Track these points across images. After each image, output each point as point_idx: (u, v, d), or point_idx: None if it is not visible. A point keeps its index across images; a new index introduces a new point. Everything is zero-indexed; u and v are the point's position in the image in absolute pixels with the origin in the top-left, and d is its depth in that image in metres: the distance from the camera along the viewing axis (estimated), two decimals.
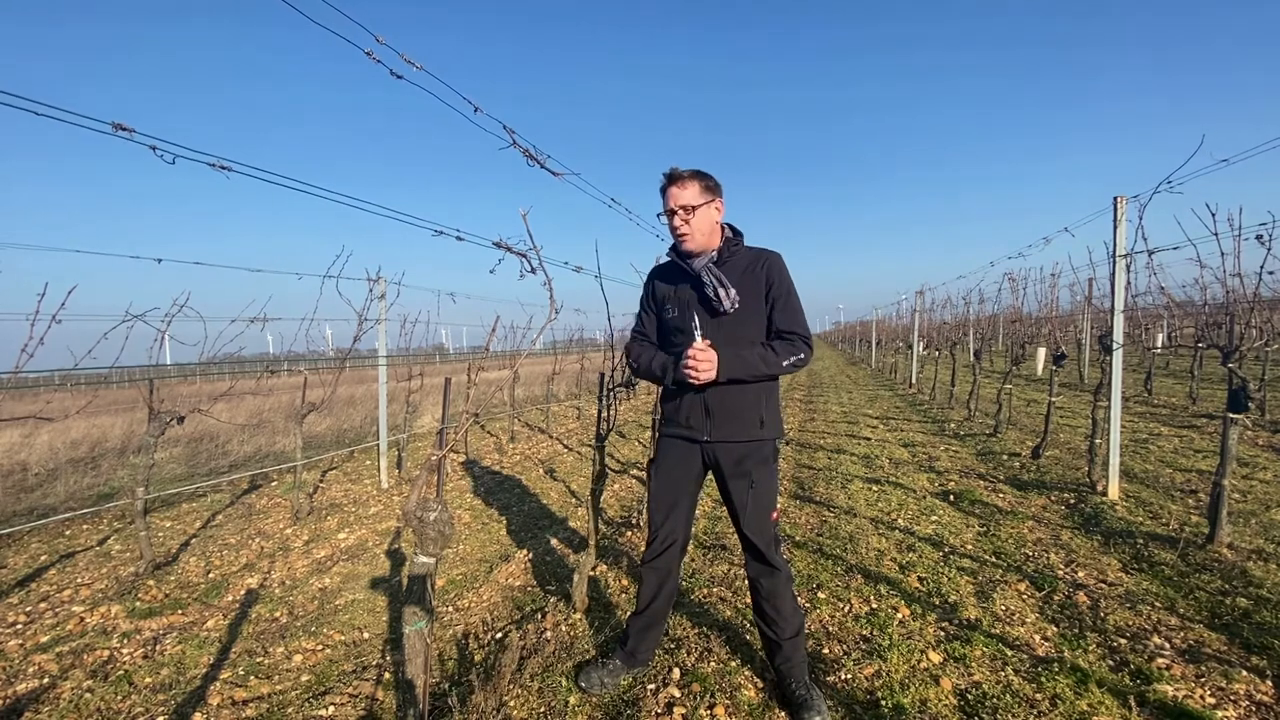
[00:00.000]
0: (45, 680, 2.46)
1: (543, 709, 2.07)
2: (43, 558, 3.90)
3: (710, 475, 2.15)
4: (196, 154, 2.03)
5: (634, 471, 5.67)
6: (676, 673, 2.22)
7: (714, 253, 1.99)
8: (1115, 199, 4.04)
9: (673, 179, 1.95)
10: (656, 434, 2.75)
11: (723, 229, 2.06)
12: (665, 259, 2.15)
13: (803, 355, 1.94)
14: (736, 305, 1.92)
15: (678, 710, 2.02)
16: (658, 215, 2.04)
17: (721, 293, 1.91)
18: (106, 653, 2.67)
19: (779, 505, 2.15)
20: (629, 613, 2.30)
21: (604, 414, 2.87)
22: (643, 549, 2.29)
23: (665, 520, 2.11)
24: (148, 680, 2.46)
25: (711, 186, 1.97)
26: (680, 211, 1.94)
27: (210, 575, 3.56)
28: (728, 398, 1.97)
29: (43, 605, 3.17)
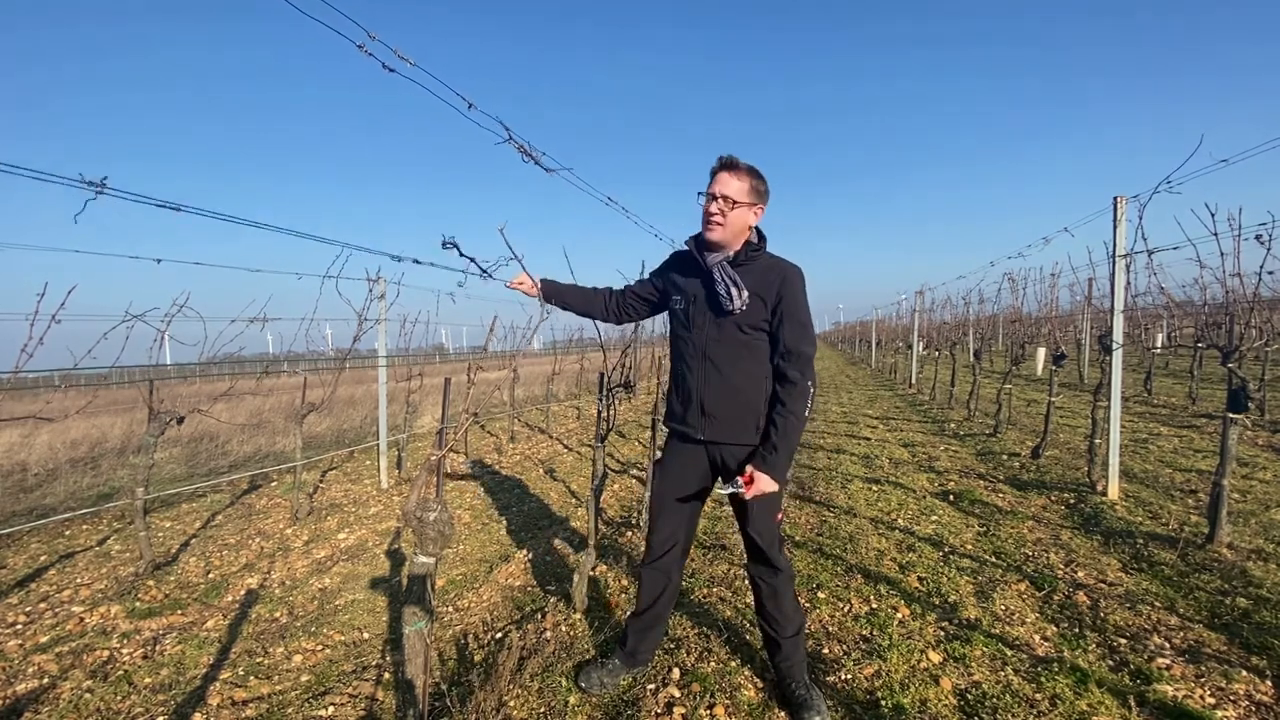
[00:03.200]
0: (45, 680, 2.46)
1: (543, 709, 2.07)
2: (42, 558, 3.90)
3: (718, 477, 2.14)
4: (145, 199, 2.05)
5: (634, 471, 5.67)
6: (676, 673, 2.22)
7: (730, 253, 1.94)
8: (1115, 199, 4.04)
9: (728, 165, 1.90)
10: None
11: (749, 235, 1.99)
12: (683, 247, 2.10)
13: (810, 392, 1.90)
14: (745, 307, 1.89)
15: (678, 710, 2.02)
16: (697, 194, 1.96)
17: (734, 292, 1.88)
18: (106, 653, 2.67)
19: (783, 506, 2.14)
20: (629, 613, 2.29)
21: (604, 414, 2.87)
22: (643, 549, 2.28)
23: (666, 521, 2.10)
24: (147, 680, 2.46)
25: (760, 191, 1.93)
26: (721, 200, 1.88)
27: (210, 575, 3.56)
28: (722, 400, 1.95)
29: (42, 605, 3.17)
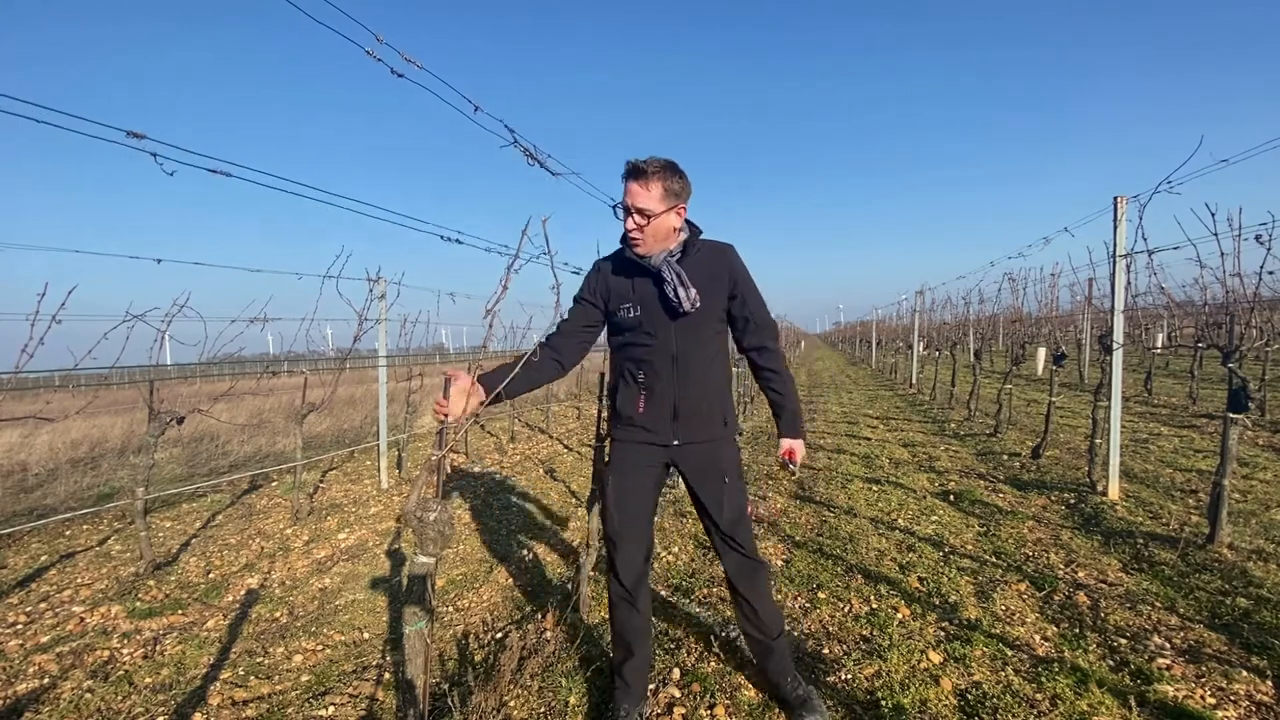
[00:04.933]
0: (45, 680, 2.46)
1: (543, 709, 2.07)
2: (43, 558, 3.90)
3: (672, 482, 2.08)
4: (197, 158, 2.04)
5: None
6: (676, 673, 2.22)
7: (674, 249, 1.84)
8: (1115, 199, 4.04)
9: (635, 174, 1.76)
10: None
11: (681, 228, 1.89)
12: (617, 247, 1.94)
13: (782, 351, 2.02)
14: (697, 305, 1.81)
15: (678, 710, 2.02)
16: (613, 206, 1.85)
17: (682, 293, 1.78)
18: (106, 653, 2.67)
19: (749, 497, 2.16)
20: (614, 662, 2.04)
21: (604, 414, 2.87)
22: (606, 583, 2.05)
23: (626, 537, 1.93)
24: (148, 680, 2.46)
25: (676, 191, 1.79)
26: (636, 215, 1.77)
27: (210, 575, 3.56)
28: (696, 399, 1.88)
29: (43, 605, 3.17)
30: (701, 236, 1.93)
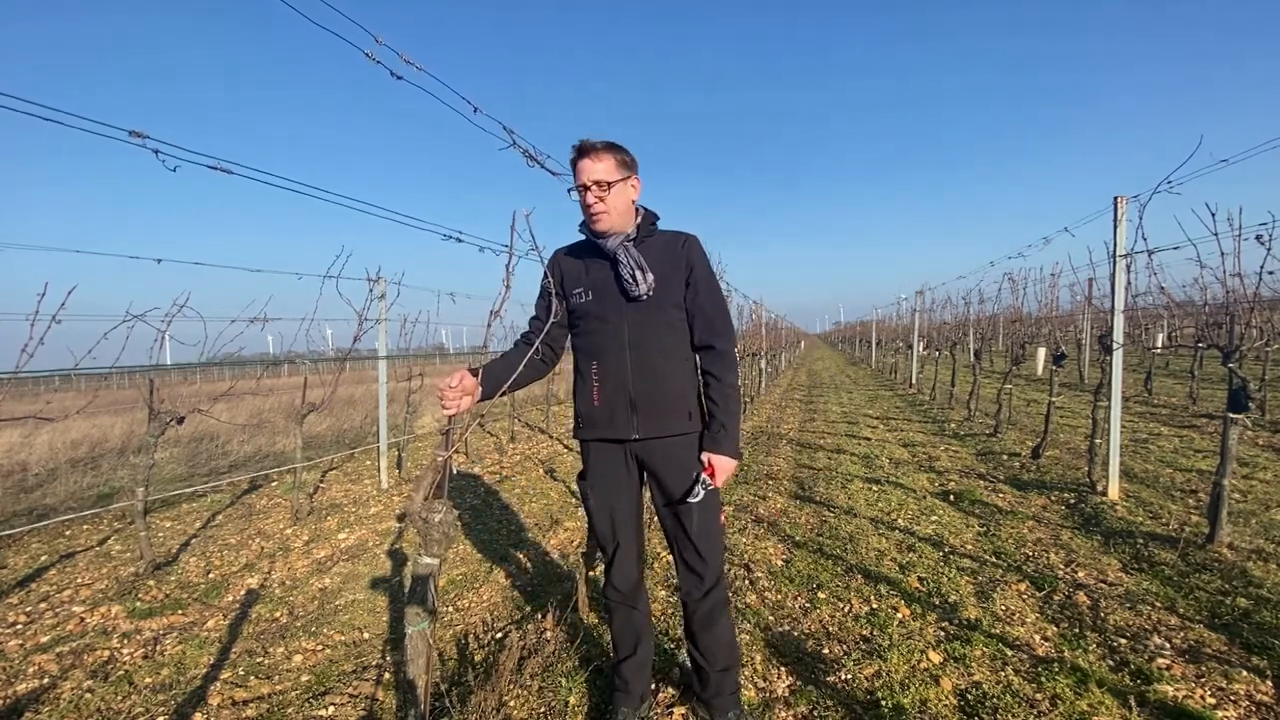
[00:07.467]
0: (45, 680, 2.46)
1: (543, 709, 2.07)
2: (43, 558, 3.90)
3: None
4: (199, 156, 2.04)
5: None
6: (677, 673, 2.22)
7: (631, 231, 1.81)
8: (1115, 199, 4.04)
9: (584, 151, 1.75)
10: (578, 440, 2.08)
11: (638, 211, 1.87)
12: (572, 242, 1.94)
13: (735, 359, 1.85)
14: (653, 291, 1.76)
15: (678, 711, 2.03)
16: (568, 190, 1.83)
17: (639, 275, 1.74)
18: (106, 653, 2.67)
19: (722, 503, 1.95)
20: (615, 660, 2.00)
21: None
22: (603, 582, 2.00)
23: (620, 545, 1.89)
24: (148, 680, 2.46)
25: (628, 162, 1.79)
26: (594, 187, 1.73)
27: (210, 575, 3.56)
28: (655, 388, 1.78)
29: (43, 605, 3.17)
30: (659, 225, 1.89)
